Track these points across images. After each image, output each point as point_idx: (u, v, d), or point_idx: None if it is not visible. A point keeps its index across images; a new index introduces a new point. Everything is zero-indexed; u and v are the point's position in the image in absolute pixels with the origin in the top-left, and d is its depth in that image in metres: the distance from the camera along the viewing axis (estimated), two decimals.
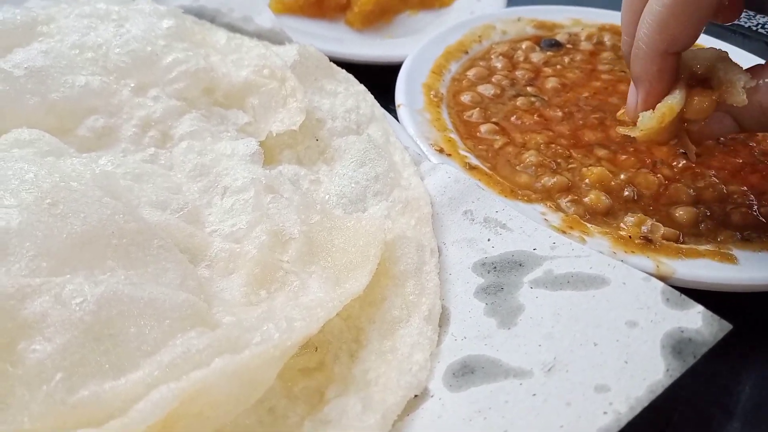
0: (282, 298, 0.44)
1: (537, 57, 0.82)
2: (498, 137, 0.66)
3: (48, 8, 0.66)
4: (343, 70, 0.71)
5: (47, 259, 0.37)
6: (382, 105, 0.68)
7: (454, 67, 0.78)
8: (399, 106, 0.68)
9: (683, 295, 0.40)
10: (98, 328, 0.35)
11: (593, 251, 0.47)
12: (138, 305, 0.37)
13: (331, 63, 0.71)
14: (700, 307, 0.39)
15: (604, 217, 0.56)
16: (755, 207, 0.59)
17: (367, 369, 0.42)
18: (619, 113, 0.57)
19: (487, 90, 0.74)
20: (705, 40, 0.84)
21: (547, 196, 0.58)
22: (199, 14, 0.74)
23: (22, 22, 0.60)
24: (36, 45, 0.59)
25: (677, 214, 0.57)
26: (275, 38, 0.75)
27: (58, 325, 0.35)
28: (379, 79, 0.73)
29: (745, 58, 0.79)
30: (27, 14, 0.61)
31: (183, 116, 0.59)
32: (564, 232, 0.52)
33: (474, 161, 0.61)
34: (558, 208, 0.57)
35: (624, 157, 0.64)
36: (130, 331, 0.36)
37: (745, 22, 1.01)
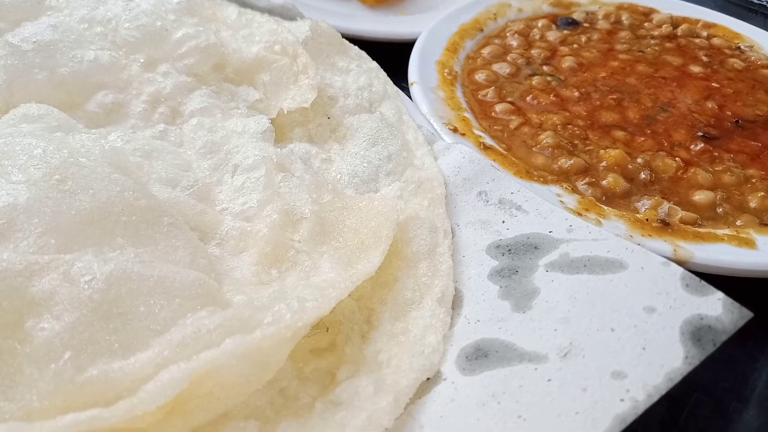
0: (293, 278, 0.44)
1: (553, 35, 0.80)
2: (513, 117, 0.65)
3: None
4: (356, 47, 0.70)
5: (56, 235, 0.37)
6: (394, 83, 0.67)
7: (468, 45, 0.77)
8: (412, 84, 0.67)
9: (703, 281, 0.39)
10: (107, 307, 0.35)
11: (610, 234, 0.46)
12: (147, 283, 0.36)
13: (344, 39, 0.69)
14: (720, 294, 0.38)
15: (621, 199, 0.56)
16: None
17: (378, 350, 0.42)
18: None
19: (502, 68, 0.73)
20: (724, 20, 0.82)
21: (564, 177, 0.57)
22: None
23: None
24: (44, 19, 0.58)
25: (695, 198, 0.56)
26: (287, 14, 0.73)
27: (67, 303, 0.34)
28: (392, 57, 0.71)
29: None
30: None
31: (193, 92, 0.58)
32: (579, 215, 0.51)
33: (489, 141, 0.60)
34: (575, 190, 0.56)
35: (641, 139, 0.62)
36: (140, 309, 0.36)
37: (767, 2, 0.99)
